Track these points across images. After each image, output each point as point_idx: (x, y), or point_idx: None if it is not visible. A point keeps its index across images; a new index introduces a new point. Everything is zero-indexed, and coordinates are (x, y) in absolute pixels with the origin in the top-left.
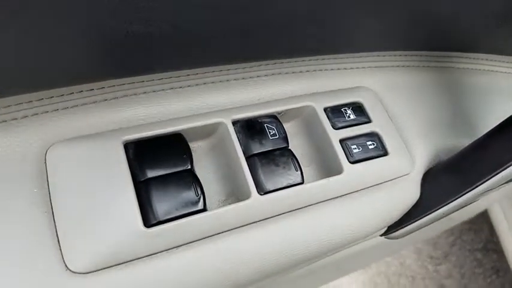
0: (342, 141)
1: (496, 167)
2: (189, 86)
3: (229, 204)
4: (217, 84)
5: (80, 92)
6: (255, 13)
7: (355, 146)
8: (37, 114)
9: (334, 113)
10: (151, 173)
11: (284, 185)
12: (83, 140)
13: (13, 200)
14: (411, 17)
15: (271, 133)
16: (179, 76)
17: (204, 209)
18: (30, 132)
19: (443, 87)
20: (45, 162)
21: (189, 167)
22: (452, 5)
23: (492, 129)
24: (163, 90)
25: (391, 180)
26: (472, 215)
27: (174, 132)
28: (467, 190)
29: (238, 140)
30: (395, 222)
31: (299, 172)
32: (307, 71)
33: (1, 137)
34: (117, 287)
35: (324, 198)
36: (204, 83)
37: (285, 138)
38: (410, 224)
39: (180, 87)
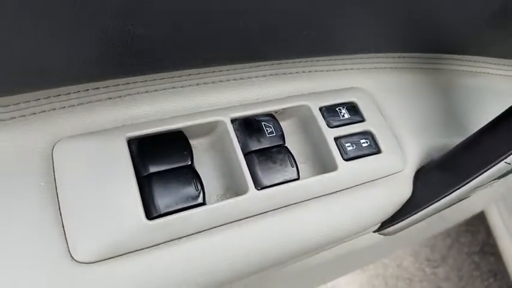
0: (336, 139)
1: (485, 164)
2: (189, 85)
3: (228, 198)
4: (217, 84)
5: (86, 90)
6: (253, 16)
7: (349, 144)
8: (44, 111)
9: (329, 112)
10: (153, 168)
11: (280, 180)
12: (88, 136)
13: (21, 193)
14: (404, 20)
15: (268, 131)
16: (180, 76)
17: (204, 203)
18: (37, 128)
19: (436, 88)
20: (52, 157)
21: (190, 163)
22: (443, 9)
23: (481, 128)
24: (165, 89)
25: (384, 177)
26: (468, 217)
27: (175, 130)
28: (458, 187)
29: (237, 138)
30: (389, 219)
31: (295, 168)
32: (303, 72)
33: (10, 133)
34: (120, 276)
35: (319, 193)
36: (204, 83)
37: (282, 136)
38: (403, 220)
39: (181, 86)
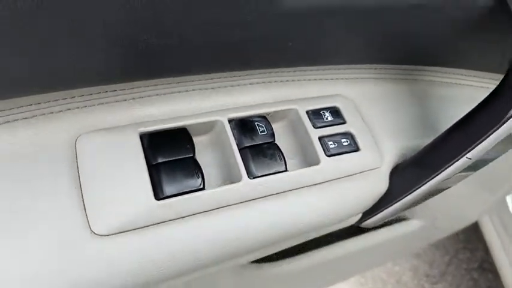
0: (320, 138)
1: (450, 160)
2: (193, 89)
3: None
4: (216, 89)
5: (105, 92)
6: (250, 30)
7: (331, 143)
8: (69, 109)
9: (315, 115)
10: (161, 159)
11: (270, 171)
12: (106, 131)
13: (49, 177)
14: (383, 36)
15: (261, 130)
16: (186, 81)
17: (203, 188)
18: (63, 124)
19: (412, 97)
20: (75, 148)
21: (192, 155)
22: (415, 26)
23: (447, 130)
24: (172, 93)
25: (362, 172)
26: (462, 227)
27: (180, 127)
28: (428, 180)
29: (233, 135)
30: (368, 211)
31: (283, 162)
32: (293, 80)
33: (40, 127)
34: (131, 247)
35: (304, 184)
36: (206, 88)
37: (272, 135)
38: (381, 212)
39: (186, 90)
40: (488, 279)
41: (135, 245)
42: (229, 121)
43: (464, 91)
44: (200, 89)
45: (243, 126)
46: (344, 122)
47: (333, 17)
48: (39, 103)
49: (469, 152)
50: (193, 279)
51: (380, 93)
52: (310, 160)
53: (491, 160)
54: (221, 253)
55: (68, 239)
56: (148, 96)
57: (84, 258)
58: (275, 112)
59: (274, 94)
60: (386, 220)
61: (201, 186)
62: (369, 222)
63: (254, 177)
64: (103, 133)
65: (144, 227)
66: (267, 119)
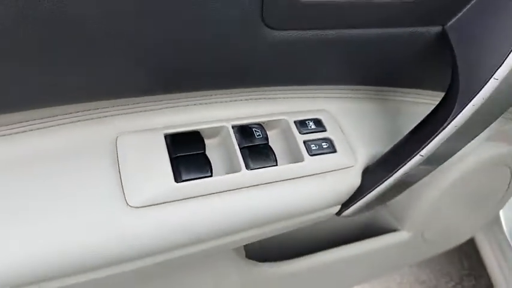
0: (304, 142)
1: (407, 157)
2: (205, 103)
3: None
4: (224, 103)
5: (138, 103)
6: (249, 61)
7: (313, 145)
8: (113, 115)
9: (301, 124)
10: (180, 153)
11: (263, 165)
12: (140, 132)
13: (95, 165)
14: (358, 63)
15: (257, 134)
16: (200, 96)
17: (211, 175)
18: (108, 126)
19: (381, 111)
20: (116, 144)
21: (203, 151)
22: (384, 56)
23: (406, 134)
24: (188, 105)
25: (339, 169)
26: (455, 242)
27: (194, 131)
28: (390, 175)
29: (235, 138)
30: (345, 203)
31: (274, 159)
32: (285, 97)
33: (92, 128)
34: (156, 216)
35: (290, 177)
36: (215, 102)
37: (266, 138)
38: (355, 204)
39: (200, 103)
40: None
41: (159, 215)
42: (233, 127)
43: (421, 107)
44: (211, 103)
45: (243, 131)
46: (325, 130)
47: (318, 49)
48: (89, 109)
49: (421, 150)
50: (201, 277)
51: (355, 108)
52: (296, 158)
53: (451, 155)
54: (223, 226)
55: (109, 210)
56: (171, 107)
57: (121, 224)
58: (269, 121)
59: (269, 108)
60: (361, 212)
61: (209, 174)
62: (347, 212)
63: (251, 169)
64: (137, 134)
65: (166, 202)
66: (262, 126)
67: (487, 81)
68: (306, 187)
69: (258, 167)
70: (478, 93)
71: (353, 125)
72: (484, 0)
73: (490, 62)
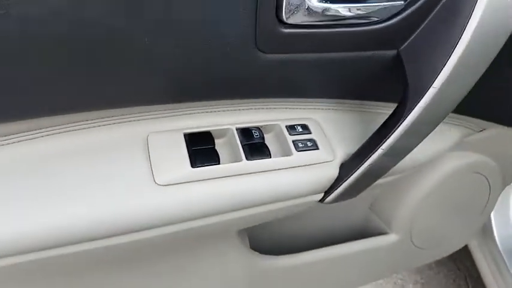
0: (293, 141)
1: (370, 151)
2: (215, 111)
3: None
4: (230, 111)
5: (165, 110)
6: (249, 83)
7: (300, 143)
8: (145, 119)
9: (291, 128)
10: (195, 147)
11: (259, 158)
12: (165, 132)
13: (130, 155)
14: (339, 81)
15: (256, 135)
16: (211, 105)
17: (218, 163)
18: (141, 127)
19: (357, 120)
20: (147, 141)
21: (213, 146)
22: (359, 75)
23: (371, 134)
24: (201, 112)
25: (320, 163)
26: (447, 250)
27: (207, 131)
28: (359, 166)
29: (239, 137)
30: (327, 191)
31: (268, 153)
32: (278, 107)
33: (129, 129)
34: (178, 192)
35: (281, 167)
36: (223, 110)
37: (263, 138)
38: (334, 191)
39: (211, 111)
40: None
41: (178, 192)
42: (237, 129)
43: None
44: (219, 110)
45: (245, 132)
46: (310, 133)
47: (302, 68)
48: (125, 114)
49: (382, 145)
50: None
51: (336, 117)
52: (286, 153)
53: (408, 150)
54: (227, 203)
55: (142, 187)
56: (189, 113)
57: (150, 196)
58: (266, 125)
59: (266, 115)
60: (340, 199)
61: (217, 163)
62: (328, 199)
63: (249, 160)
64: (163, 133)
65: (184, 182)
66: (260, 129)
67: (428, 90)
68: (293, 176)
69: (256, 158)
70: (421, 99)
71: (333, 130)
72: (427, 28)
73: (430, 75)
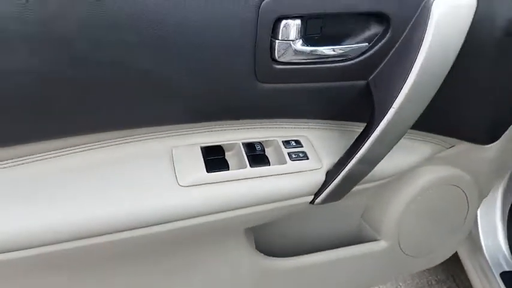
0: (288, 153)
1: (347, 160)
2: (225, 129)
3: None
4: (238, 129)
5: (185, 129)
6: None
7: (294, 154)
8: (170, 136)
9: (286, 142)
10: (209, 157)
11: (261, 165)
12: (186, 146)
13: (157, 164)
14: (319, 104)
15: (258, 148)
16: (222, 125)
17: (228, 169)
18: (167, 142)
19: (341, 136)
20: (172, 153)
21: (223, 156)
22: (335, 99)
23: (349, 147)
24: (214, 130)
25: (310, 170)
26: (438, 260)
27: (218, 145)
28: (340, 171)
29: (244, 150)
30: (316, 194)
31: (268, 162)
32: (276, 127)
33: (156, 143)
34: (196, 192)
35: (278, 173)
36: (231, 129)
37: (263, 150)
38: (321, 194)
39: (222, 129)
40: None
41: (196, 192)
42: (242, 144)
43: None
44: (228, 129)
45: (249, 146)
46: (302, 146)
47: (293, 95)
48: (155, 132)
49: (356, 154)
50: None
51: (322, 134)
52: (282, 162)
53: (378, 159)
54: (234, 201)
55: (167, 187)
56: (203, 132)
57: (174, 195)
58: (266, 141)
59: (266, 133)
60: (327, 201)
61: (227, 169)
62: (317, 201)
63: (253, 167)
64: (184, 147)
65: (202, 184)
66: (261, 144)
67: (389, 110)
68: (288, 180)
69: (257, 166)
70: (384, 117)
71: (320, 144)
72: (388, 62)
73: (390, 98)
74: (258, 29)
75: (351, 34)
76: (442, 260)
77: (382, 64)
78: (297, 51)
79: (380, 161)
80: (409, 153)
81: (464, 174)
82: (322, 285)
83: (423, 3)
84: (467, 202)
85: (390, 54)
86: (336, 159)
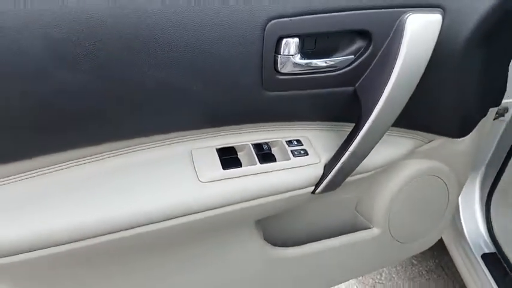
0: (291, 151)
1: (342, 154)
2: (236, 133)
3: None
4: (248, 132)
5: (202, 134)
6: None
7: (296, 152)
8: (189, 140)
9: (289, 142)
10: (224, 157)
11: (268, 162)
12: (204, 148)
13: (180, 165)
14: (316, 108)
15: (265, 148)
16: (234, 129)
17: (240, 166)
18: (187, 146)
19: (336, 135)
20: (191, 154)
21: (236, 156)
22: (329, 103)
23: (342, 143)
24: (227, 134)
25: (310, 164)
26: (426, 245)
27: (231, 146)
28: (335, 165)
29: (253, 150)
30: (316, 185)
31: (274, 159)
32: (280, 129)
33: (178, 147)
34: (215, 187)
35: (283, 167)
36: (242, 132)
37: (270, 149)
38: (321, 185)
39: (234, 133)
40: None
41: (215, 186)
42: (252, 144)
43: None
44: (240, 133)
45: (258, 146)
46: (302, 145)
47: (295, 101)
48: (176, 137)
49: (348, 149)
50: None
51: (320, 134)
52: (286, 158)
53: (366, 152)
54: (247, 193)
55: (190, 183)
56: (218, 135)
57: (196, 189)
58: (272, 141)
59: (272, 135)
60: (327, 190)
61: (240, 166)
62: (318, 191)
63: (262, 164)
64: (202, 149)
65: (219, 180)
66: (268, 144)
67: (373, 110)
68: (292, 174)
69: (266, 162)
70: (369, 116)
71: (318, 142)
72: (371, 71)
73: (374, 100)
74: (263, 46)
75: (339, 48)
76: (429, 246)
77: (367, 72)
78: (296, 63)
79: (368, 154)
80: (394, 148)
81: (442, 165)
82: (322, 271)
83: (398, 20)
84: (448, 190)
85: (373, 64)
86: (332, 155)
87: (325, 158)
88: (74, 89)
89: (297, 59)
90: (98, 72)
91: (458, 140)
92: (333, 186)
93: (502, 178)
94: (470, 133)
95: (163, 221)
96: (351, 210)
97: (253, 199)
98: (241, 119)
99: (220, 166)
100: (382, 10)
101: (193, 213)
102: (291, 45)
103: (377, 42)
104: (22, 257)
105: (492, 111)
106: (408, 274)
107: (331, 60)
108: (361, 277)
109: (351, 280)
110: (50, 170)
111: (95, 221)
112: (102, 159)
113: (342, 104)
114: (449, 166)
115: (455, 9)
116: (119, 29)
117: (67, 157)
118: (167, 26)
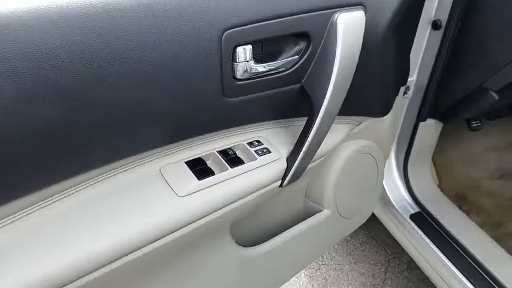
0: (255, 151)
1: (300, 146)
2: (200, 143)
3: None
4: (211, 141)
5: (170, 149)
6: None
7: (259, 151)
8: (154, 159)
9: (250, 143)
10: (195, 168)
11: (238, 165)
12: (172, 164)
13: (151, 184)
14: (271, 106)
15: (230, 152)
16: (196, 140)
17: (213, 174)
18: (154, 165)
19: (292, 131)
20: (161, 172)
21: (206, 165)
22: (284, 101)
23: (299, 136)
24: (191, 146)
25: (274, 161)
26: (363, 220)
27: (198, 157)
28: (296, 157)
29: (221, 156)
30: (282, 178)
31: (242, 161)
32: (241, 133)
33: (146, 169)
34: (196, 199)
35: (252, 168)
36: (206, 142)
37: (235, 153)
38: (286, 177)
39: (198, 144)
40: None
41: (194, 199)
42: (217, 152)
43: None
44: (203, 143)
45: (223, 152)
46: (262, 144)
47: (252, 103)
48: (143, 157)
49: (305, 141)
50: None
51: (277, 131)
52: (252, 159)
53: (321, 141)
54: (223, 200)
55: (168, 199)
56: (183, 149)
57: (175, 204)
58: (235, 145)
59: (234, 139)
60: (292, 181)
61: (213, 174)
62: (285, 183)
63: (232, 168)
64: (170, 165)
65: (196, 191)
66: (232, 149)
67: (322, 103)
68: (260, 172)
69: (236, 166)
70: (321, 108)
71: (276, 139)
72: (313, 67)
73: (322, 93)
74: (221, 56)
75: (284, 51)
76: (367, 217)
77: (310, 69)
78: (251, 68)
79: (322, 141)
80: (335, 134)
81: (371, 143)
82: (289, 259)
83: (330, 20)
84: (377, 165)
85: (314, 60)
86: (291, 149)
87: (285, 152)
88: (40, 125)
89: (251, 64)
90: (62, 104)
91: (382, 118)
92: (296, 176)
93: (413, 146)
94: (390, 111)
95: (151, 243)
96: (301, 198)
97: (231, 203)
98: (204, 129)
99: (195, 177)
100: (316, 13)
101: (179, 229)
102: (245, 52)
103: (315, 42)
104: None
105: (402, 90)
106: (345, 250)
107: (278, 63)
108: None
109: None
110: (24, 214)
111: (77, 260)
112: (76, 191)
113: (293, 100)
114: (377, 143)
115: (373, 6)
116: (79, 53)
117: (38, 198)
118: (130, 46)
